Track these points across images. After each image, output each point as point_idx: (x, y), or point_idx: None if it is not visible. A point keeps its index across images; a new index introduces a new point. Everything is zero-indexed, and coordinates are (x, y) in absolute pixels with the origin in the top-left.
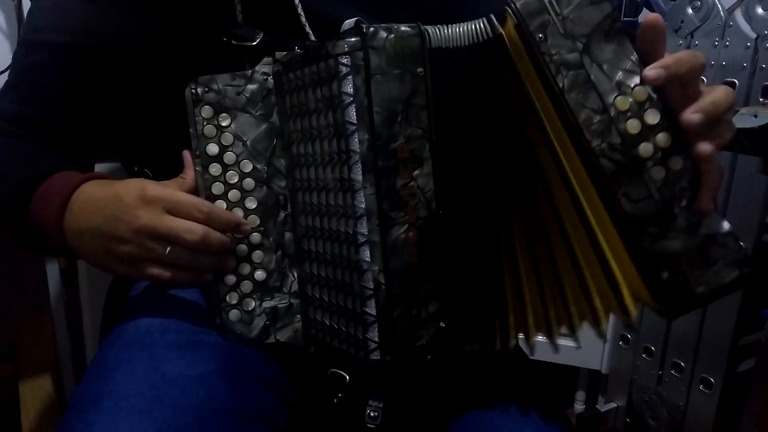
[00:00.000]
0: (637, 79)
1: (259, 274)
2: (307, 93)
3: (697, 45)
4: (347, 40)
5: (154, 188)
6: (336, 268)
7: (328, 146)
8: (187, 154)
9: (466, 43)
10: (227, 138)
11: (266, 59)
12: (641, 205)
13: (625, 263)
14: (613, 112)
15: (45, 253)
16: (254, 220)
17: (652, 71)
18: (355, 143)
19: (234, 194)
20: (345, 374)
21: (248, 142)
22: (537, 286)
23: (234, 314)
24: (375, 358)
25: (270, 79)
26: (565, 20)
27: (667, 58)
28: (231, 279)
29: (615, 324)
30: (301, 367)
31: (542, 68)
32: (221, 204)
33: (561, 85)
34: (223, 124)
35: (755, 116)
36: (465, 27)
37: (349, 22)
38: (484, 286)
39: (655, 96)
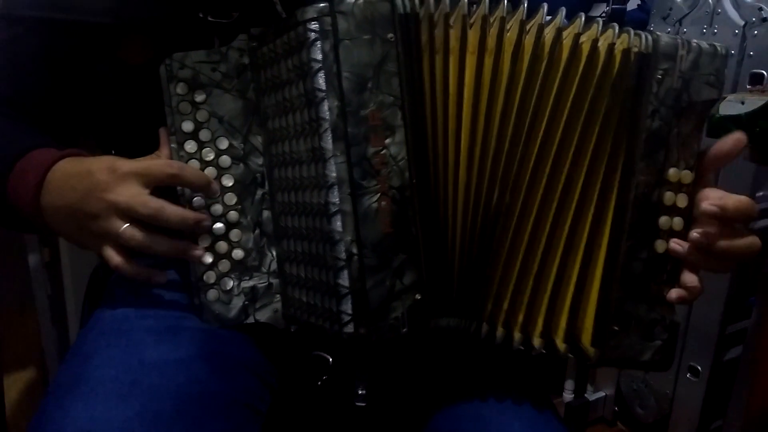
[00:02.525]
0: (691, 162)
1: (237, 253)
2: (279, 64)
3: (685, 32)
4: (315, 6)
5: (125, 162)
6: (311, 242)
7: (300, 117)
8: (163, 131)
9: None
10: (203, 115)
11: (241, 36)
12: (635, 264)
13: (591, 299)
14: (664, 176)
15: (26, 231)
16: (231, 197)
17: (709, 206)
18: (325, 111)
19: (210, 171)
20: (328, 356)
21: (224, 119)
22: (517, 273)
23: (212, 294)
24: (349, 331)
25: (245, 55)
26: (682, 78)
27: (730, 201)
28: (208, 258)
29: None
30: (283, 350)
31: (640, 103)
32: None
33: (648, 125)
34: (198, 100)
35: (742, 103)
36: None
37: None
38: (469, 262)
39: (692, 189)
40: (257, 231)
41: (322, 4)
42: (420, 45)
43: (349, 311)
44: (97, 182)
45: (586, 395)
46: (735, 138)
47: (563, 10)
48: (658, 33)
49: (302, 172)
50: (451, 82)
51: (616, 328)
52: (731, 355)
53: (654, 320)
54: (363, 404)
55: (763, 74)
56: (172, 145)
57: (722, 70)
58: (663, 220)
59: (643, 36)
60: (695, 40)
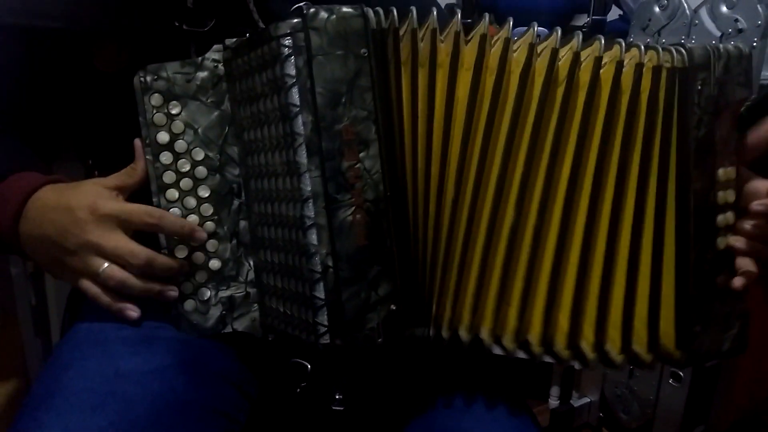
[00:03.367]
0: (734, 159)
1: (214, 263)
2: (254, 77)
3: (664, 42)
4: (288, 21)
5: (104, 203)
6: (287, 254)
7: (275, 130)
8: (138, 144)
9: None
10: (178, 126)
11: (216, 46)
12: (704, 265)
13: (667, 306)
14: (715, 178)
15: (5, 253)
16: (207, 208)
17: (757, 206)
18: (299, 125)
19: (186, 183)
20: (306, 363)
21: (199, 130)
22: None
23: (189, 304)
24: (325, 342)
25: (220, 66)
26: (717, 84)
27: None
28: (185, 269)
29: None
30: (261, 358)
31: (686, 115)
32: (173, 193)
33: (695, 135)
34: (173, 112)
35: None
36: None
37: (298, 7)
38: (433, 270)
39: (736, 183)
40: (234, 241)
41: (295, 20)
42: (392, 60)
43: (325, 323)
44: (76, 220)
45: (571, 401)
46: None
47: (539, 29)
48: (689, 45)
49: (278, 184)
50: (420, 97)
51: (698, 329)
52: (713, 362)
53: (728, 313)
54: (341, 408)
55: None
56: (147, 157)
57: (750, 70)
58: (720, 218)
59: (674, 51)
60: (722, 45)
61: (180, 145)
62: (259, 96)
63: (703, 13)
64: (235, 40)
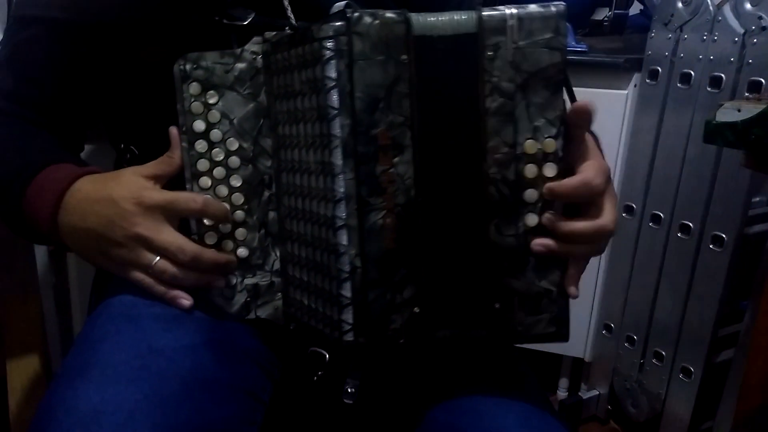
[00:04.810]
0: (553, 131)
1: (242, 251)
2: (293, 75)
3: (686, 39)
4: (332, 24)
5: (150, 194)
6: (315, 250)
7: (311, 129)
8: (174, 132)
9: (450, 33)
10: (214, 115)
11: (256, 38)
12: (506, 240)
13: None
14: (519, 151)
15: (39, 243)
16: (238, 198)
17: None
18: (336, 128)
19: (219, 171)
20: (324, 352)
21: (235, 121)
22: None
23: (216, 290)
24: (348, 339)
25: (259, 58)
26: (516, 50)
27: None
28: (231, 264)
29: (598, 313)
30: (283, 344)
31: (476, 83)
32: (206, 181)
33: (486, 107)
34: (211, 101)
35: (738, 110)
36: (449, 17)
37: (338, 5)
38: (462, 274)
39: (561, 154)
40: (262, 231)
41: (338, 23)
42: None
43: (350, 321)
44: (123, 212)
45: (579, 393)
46: (584, 102)
47: None
48: (483, 8)
49: (310, 181)
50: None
51: (497, 305)
52: (723, 358)
53: (538, 294)
54: (350, 402)
55: (761, 82)
56: (183, 144)
57: (561, 29)
58: (529, 192)
59: (463, 16)
60: (528, 6)
61: (215, 134)
62: (297, 93)
63: (727, 10)
64: (275, 33)
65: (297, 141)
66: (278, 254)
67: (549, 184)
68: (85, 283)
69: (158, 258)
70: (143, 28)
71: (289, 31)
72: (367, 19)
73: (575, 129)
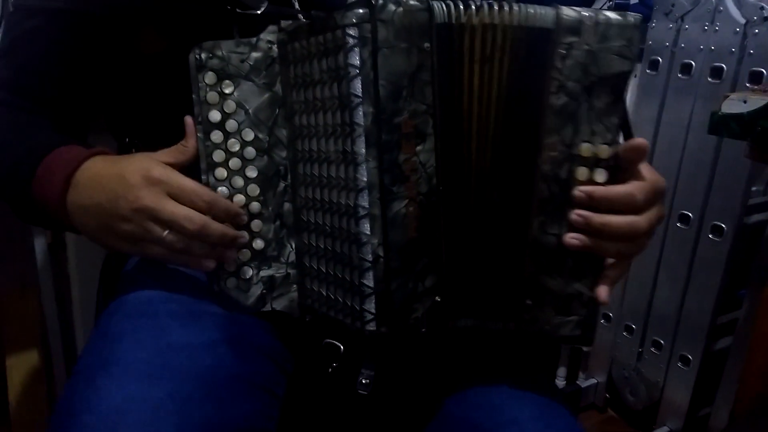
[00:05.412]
0: (609, 138)
1: (258, 243)
2: (312, 63)
3: (687, 29)
4: (355, 11)
5: (159, 170)
6: (335, 240)
7: (332, 118)
8: (189, 121)
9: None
10: (230, 105)
11: (271, 27)
12: (547, 239)
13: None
14: (574, 152)
15: (46, 227)
16: (254, 189)
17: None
18: (359, 116)
19: (235, 162)
20: (339, 344)
21: (250, 111)
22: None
23: (231, 282)
24: (371, 329)
25: (274, 47)
26: (588, 52)
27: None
28: (240, 238)
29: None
30: (297, 337)
31: (543, 79)
32: (221, 172)
33: (550, 103)
34: (226, 91)
35: (744, 102)
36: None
37: None
38: (481, 263)
39: (612, 162)
40: (278, 222)
41: (362, 10)
42: (456, 54)
43: (372, 310)
44: (129, 185)
45: (578, 382)
46: (640, 141)
47: None
48: (561, 6)
49: (330, 171)
50: (484, 91)
51: (529, 302)
52: (721, 345)
53: (570, 295)
54: (365, 393)
55: (762, 72)
56: (198, 135)
57: (635, 40)
58: (577, 193)
59: (541, 11)
60: (605, 11)
61: (231, 124)
62: (317, 82)
63: (728, 0)
64: (291, 22)
65: (315, 131)
66: (293, 246)
67: (588, 188)
68: (86, 277)
69: (167, 231)
70: (149, 16)
71: (304, 20)
72: (392, 7)
73: (629, 163)
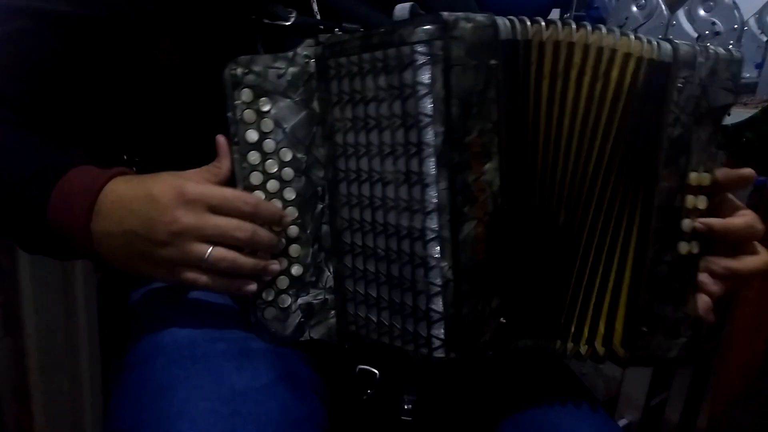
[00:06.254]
0: (710, 166)
1: (296, 269)
2: (364, 80)
3: None
4: (424, 27)
5: (192, 185)
6: (391, 263)
7: (390, 137)
8: (222, 141)
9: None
10: (267, 124)
11: (308, 41)
12: (661, 267)
13: (622, 303)
14: (686, 181)
15: (58, 257)
16: (292, 212)
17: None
18: (429, 136)
19: (273, 185)
20: (374, 370)
21: (287, 129)
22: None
23: (269, 312)
24: (439, 356)
25: (312, 62)
26: (701, 86)
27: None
28: (281, 244)
29: None
30: (329, 365)
31: (662, 111)
32: (259, 195)
33: (670, 133)
34: (264, 109)
35: (728, 114)
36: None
37: (402, 7)
38: (542, 282)
39: (711, 190)
40: (316, 246)
41: (431, 26)
42: (523, 71)
43: (442, 336)
44: (163, 207)
45: None
46: (747, 171)
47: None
48: (676, 41)
49: (386, 192)
50: (554, 107)
51: (644, 329)
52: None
53: (679, 319)
54: (409, 419)
55: None
56: (234, 156)
57: (738, 75)
58: (685, 223)
59: (660, 44)
60: (712, 47)
61: (268, 144)
62: (370, 100)
63: (681, 15)
64: (329, 36)
65: (366, 150)
66: (332, 270)
67: (708, 220)
68: (39, 301)
69: (211, 247)
70: (165, 24)
71: (346, 34)
72: (463, 24)
73: (730, 190)
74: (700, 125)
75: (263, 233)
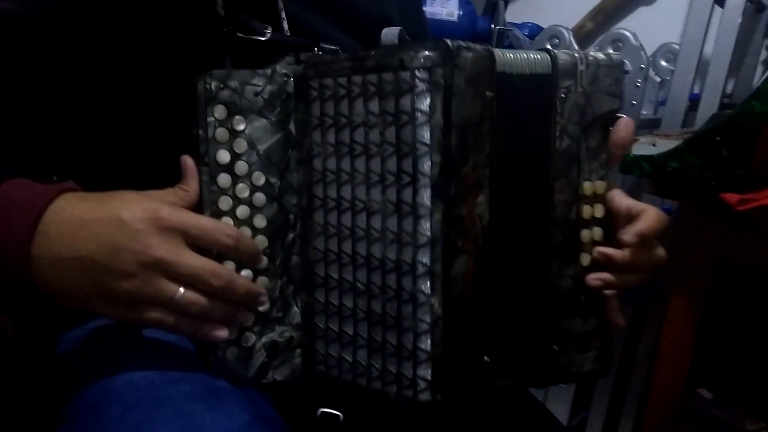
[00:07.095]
0: (602, 173)
1: (263, 305)
2: (352, 104)
3: None
4: (425, 53)
5: (170, 212)
6: (372, 299)
7: (380, 165)
8: (189, 162)
9: (527, 72)
10: (240, 145)
11: (288, 58)
12: (565, 281)
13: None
14: (579, 192)
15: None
16: (262, 241)
17: (630, 238)
18: (426, 166)
19: (243, 211)
20: (338, 414)
21: (262, 152)
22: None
23: (231, 352)
24: (425, 398)
25: (291, 81)
26: (584, 94)
27: (644, 225)
28: (262, 294)
29: None
30: (292, 408)
31: (548, 125)
32: (227, 222)
33: (555, 146)
34: (238, 128)
35: (653, 145)
36: (524, 55)
37: (390, 31)
38: (524, 318)
39: (606, 196)
40: (285, 278)
41: (433, 53)
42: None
43: (428, 377)
44: (134, 233)
45: None
46: (625, 121)
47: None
48: (555, 51)
49: (371, 223)
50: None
51: (556, 347)
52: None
53: (589, 332)
54: None
55: None
56: (203, 177)
57: (620, 79)
58: (584, 233)
59: (537, 56)
60: (591, 53)
61: (241, 167)
62: (357, 125)
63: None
64: (311, 54)
65: (349, 177)
66: (300, 304)
67: (603, 249)
68: None
69: (182, 289)
70: (123, 33)
71: (330, 54)
72: (466, 53)
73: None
74: (587, 133)
75: (239, 283)
